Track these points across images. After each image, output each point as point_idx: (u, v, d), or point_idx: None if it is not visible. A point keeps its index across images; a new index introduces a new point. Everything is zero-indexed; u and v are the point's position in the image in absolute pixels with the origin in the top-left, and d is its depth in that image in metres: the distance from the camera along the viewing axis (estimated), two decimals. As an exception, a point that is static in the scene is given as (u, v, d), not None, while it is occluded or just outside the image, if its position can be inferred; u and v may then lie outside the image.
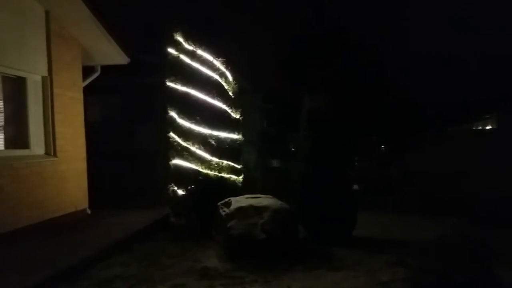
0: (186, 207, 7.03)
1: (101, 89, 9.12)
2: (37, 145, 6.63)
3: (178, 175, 7.08)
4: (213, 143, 7.04)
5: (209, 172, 6.98)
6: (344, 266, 5.13)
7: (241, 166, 7.49)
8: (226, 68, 7.37)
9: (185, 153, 7.00)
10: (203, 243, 6.14)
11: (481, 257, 4.90)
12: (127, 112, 11.74)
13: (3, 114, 6.86)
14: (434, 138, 14.27)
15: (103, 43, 7.74)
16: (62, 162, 6.99)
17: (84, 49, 7.81)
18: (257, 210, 5.68)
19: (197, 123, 7.00)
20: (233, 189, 6.97)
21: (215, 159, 7.03)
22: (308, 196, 6.42)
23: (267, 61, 14.36)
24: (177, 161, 7.08)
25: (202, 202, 6.70)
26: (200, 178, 6.95)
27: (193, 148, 6.98)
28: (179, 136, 7.07)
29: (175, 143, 7.07)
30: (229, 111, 7.33)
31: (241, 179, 7.35)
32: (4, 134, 6.74)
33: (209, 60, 7.23)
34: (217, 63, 7.27)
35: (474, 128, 19.05)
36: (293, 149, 12.76)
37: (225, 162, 7.12)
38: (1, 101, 7.08)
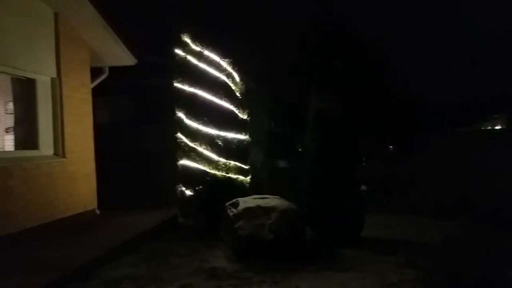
0: (194, 208, 7.05)
1: (110, 90, 9.18)
2: (46, 146, 6.68)
3: (186, 175, 7.11)
4: (221, 143, 7.06)
5: (216, 172, 7.00)
6: (352, 267, 5.11)
7: (249, 166, 7.49)
8: (233, 68, 7.38)
9: (192, 153, 7.02)
10: (211, 244, 6.15)
11: (492, 257, 4.85)
12: (135, 113, 11.80)
13: (13, 115, 6.94)
14: (442, 138, 14.18)
15: (111, 44, 7.79)
16: (71, 162, 7.04)
17: (92, 51, 7.87)
18: (265, 210, 5.68)
19: (205, 123, 7.02)
20: (240, 189, 6.98)
21: (222, 160, 7.04)
22: (315, 196, 6.40)
23: (274, 61, 14.35)
24: (184, 162, 7.10)
25: (209, 203, 6.71)
26: (208, 178, 6.97)
27: (201, 149, 7.00)
28: (186, 136, 7.09)
29: (183, 144, 7.10)
30: (236, 111, 7.34)
31: (248, 180, 7.36)
32: (14, 135, 6.81)
33: (216, 61, 7.26)
34: (224, 63, 7.29)
35: (483, 128, 18.91)
36: (300, 150, 12.74)
37: (232, 162, 7.13)
38: (11, 103, 7.16)
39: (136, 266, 5.22)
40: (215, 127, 7.05)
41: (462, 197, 8.92)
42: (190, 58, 7.20)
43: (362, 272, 4.93)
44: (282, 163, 12.97)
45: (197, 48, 7.23)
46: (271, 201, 5.94)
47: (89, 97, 7.82)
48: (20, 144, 6.57)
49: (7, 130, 8.64)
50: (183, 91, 7.15)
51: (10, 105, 7.89)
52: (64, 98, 6.97)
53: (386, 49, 14.81)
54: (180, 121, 7.14)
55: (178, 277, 4.82)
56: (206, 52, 7.22)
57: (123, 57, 8.20)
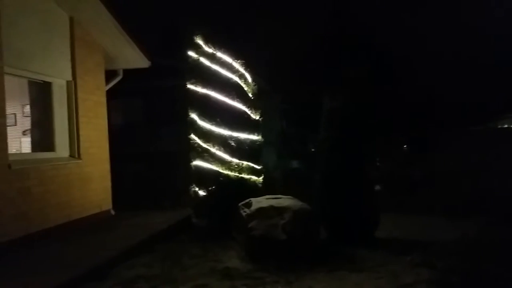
0: (207, 208, 7.09)
1: (124, 92, 9.28)
2: (62, 148, 6.80)
3: (199, 176, 7.15)
4: (233, 144, 7.08)
5: (229, 173, 7.03)
6: (367, 267, 5.08)
7: (261, 167, 7.50)
8: (245, 69, 7.41)
9: (205, 154, 7.06)
10: (224, 244, 6.18)
11: (508, 257, 4.78)
12: (149, 114, 11.90)
13: (29, 118, 7.08)
14: (457, 137, 13.97)
15: (125, 47, 7.89)
16: (87, 164, 7.15)
17: (106, 54, 7.98)
18: (278, 210, 5.67)
19: (217, 124, 7.06)
20: (253, 189, 7.00)
21: (235, 160, 7.07)
22: (329, 196, 6.38)
23: (287, 61, 14.34)
24: (198, 162, 7.15)
25: (222, 203, 6.74)
26: (221, 179, 7.00)
27: (214, 150, 7.04)
28: (199, 137, 7.14)
29: (196, 145, 7.14)
30: (249, 112, 7.36)
31: (261, 180, 7.37)
32: (31, 137, 6.95)
33: (229, 62, 7.29)
34: (236, 64, 7.31)
35: (499, 127, 18.57)
36: (313, 150, 12.71)
37: (245, 163, 7.15)
38: (28, 106, 7.30)
39: (150, 266, 5.27)
40: (228, 128, 7.08)
41: (478, 197, 8.79)
42: (202, 59, 7.25)
43: (376, 272, 4.89)
44: (294, 163, 12.95)
45: (210, 50, 7.27)
46: (284, 201, 5.94)
47: (103, 100, 7.93)
48: (36, 146, 6.70)
49: (24, 133, 8.82)
50: (196, 92, 7.20)
51: (27, 108, 8.05)
52: (79, 100, 7.08)
53: (400, 47, 14.67)
54: (193, 122, 7.19)
55: (192, 277, 4.86)
56: (219, 54, 7.26)
57: (137, 60, 8.29)
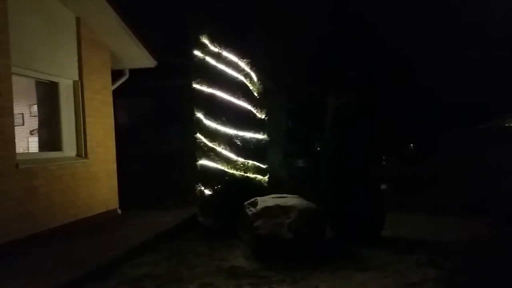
0: (213, 207, 7.11)
1: (130, 91, 9.33)
2: (69, 147, 6.84)
3: (205, 175, 7.17)
4: (239, 143, 7.09)
5: (235, 172, 7.04)
6: (372, 266, 5.06)
7: (267, 166, 7.51)
8: (251, 68, 7.40)
9: (211, 153, 7.07)
10: (230, 243, 6.19)
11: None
12: (155, 113, 11.96)
13: (37, 117, 7.13)
14: (464, 136, 13.90)
15: (132, 47, 7.92)
16: (93, 163, 7.19)
17: (113, 54, 8.02)
18: (284, 209, 5.68)
19: (223, 123, 7.07)
20: (259, 189, 7.00)
21: (240, 159, 7.08)
22: (335, 195, 6.36)
23: (292, 60, 14.32)
24: (204, 162, 7.16)
25: (228, 202, 6.75)
26: (227, 178, 7.01)
27: (219, 149, 7.05)
28: (205, 136, 7.15)
29: (202, 144, 7.16)
30: (254, 111, 7.36)
31: (266, 179, 7.37)
32: (38, 137, 7.00)
33: (234, 61, 7.29)
34: (242, 64, 7.31)
35: (506, 125, 18.42)
36: (318, 149, 12.69)
37: (250, 162, 7.15)
38: (35, 105, 7.36)
39: (156, 264, 5.30)
40: (234, 127, 7.09)
41: (485, 196, 8.73)
42: (208, 59, 7.25)
43: (382, 271, 4.88)
44: (300, 162, 12.94)
45: (216, 49, 7.28)
46: (290, 200, 5.94)
47: (110, 99, 7.97)
48: (44, 145, 6.75)
49: (31, 132, 8.90)
50: (201, 91, 7.21)
51: (34, 108, 8.12)
52: (86, 100, 7.12)
53: (405, 46, 14.60)
54: (199, 121, 7.21)
55: (198, 276, 4.87)
56: (224, 53, 7.26)
57: (143, 59, 8.32)
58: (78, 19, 7.03)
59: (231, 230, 6.42)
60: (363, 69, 7.28)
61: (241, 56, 7.31)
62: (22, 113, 9.00)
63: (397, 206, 7.73)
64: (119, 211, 7.90)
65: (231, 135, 7.08)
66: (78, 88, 7.03)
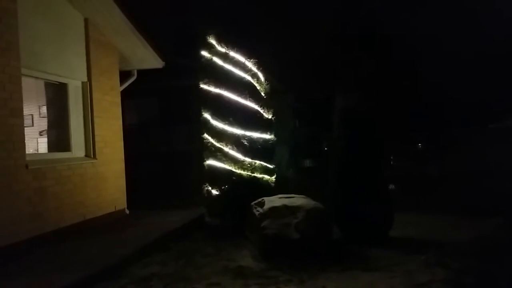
0: (221, 207, 7.12)
1: (138, 92, 9.37)
2: (78, 148, 6.90)
3: (212, 175, 7.19)
4: (246, 143, 7.10)
5: (242, 172, 7.05)
6: (380, 267, 5.04)
7: (274, 166, 7.51)
8: (258, 68, 7.41)
9: (218, 153, 7.09)
10: (237, 243, 6.20)
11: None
12: (163, 114, 11.99)
13: (46, 118, 7.20)
14: (474, 136, 13.76)
15: (140, 48, 7.96)
16: (102, 163, 7.24)
17: (121, 55, 8.07)
18: (291, 210, 5.67)
19: (230, 124, 7.08)
20: (266, 189, 7.00)
21: (248, 159, 7.08)
22: (342, 196, 6.34)
23: (299, 60, 14.29)
24: (211, 162, 7.18)
25: (235, 202, 6.76)
26: (234, 178, 7.02)
27: (227, 149, 7.07)
28: (212, 137, 7.17)
29: (209, 144, 7.18)
30: (262, 111, 7.37)
31: (273, 179, 7.37)
32: (47, 137, 7.07)
33: (241, 62, 7.30)
34: (249, 64, 7.32)
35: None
36: (326, 149, 12.66)
37: (257, 162, 7.16)
38: (44, 106, 7.43)
39: (164, 264, 5.32)
40: (241, 127, 7.10)
41: (494, 196, 8.64)
42: (215, 59, 7.28)
43: (390, 271, 4.85)
44: (307, 162, 12.92)
45: (223, 50, 7.30)
46: (297, 200, 5.94)
47: (118, 100, 8.02)
48: (53, 146, 6.81)
49: (41, 133, 8.98)
50: (209, 92, 7.23)
51: (44, 109, 8.19)
52: (94, 101, 7.18)
53: (415, 46, 14.50)
54: (207, 121, 7.23)
55: (206, 275, 4.89)
56: (232, 53, 7.28)
57: (151, 60, 8.36)
58: (86, 20, 7.09)
59: (238, 230, 6.43)
60: (371, 69, 7.24)
61: (248, 56, 7.32)
62: (32, 114, 9.07)
63: (405, 206, 7.68)
64: (127, 211, 7.95)
65: (238, 135, 7.09)
66: (87, 89, 7.09)
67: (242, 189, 6.85)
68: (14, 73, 5.43)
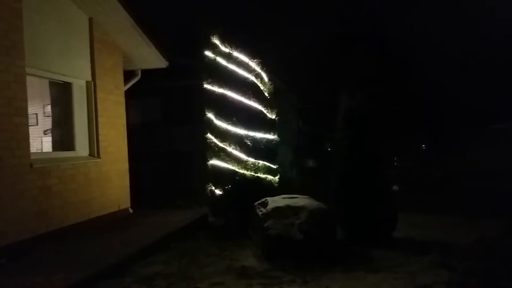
0: (224, 207, 7.12)
1: (142, 92, 9.40)
2: (82, 147, 6.92)
3: (216, 175, 7.19)
4: (249, 143, 7.09)
5: (245, 172, 7.05)
6: (384, 268, 5.03)
7: (277, 166, 7.50)
8: (262, 68, 7.41)
9: (222, 153, 7.09)
10: (241, 243, 6.20)
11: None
12: (166, 114, 12.03)
13: (50, 117, 7.23)
14: (477, 136, 13.72)
15: (144, 48, 7.98)
16: (106, 163, 7.26)
17: (125, 54, 8.09)
18: (294, 210, 5.67)
19: (234, 124, 7.08)
20: (269, 189, 7.00)
21: (251, 159, 7.08)
22: (346, 196, 6.33)
23: (303, 60, 14.29)
24: (214, 162, 7.19)
25: (239, 202, 6.76)
26: (237, 178, 7.02)
27: (230, 149, 7.07)
28: (216, 137, 7.18)
29: (212, 144, 7.19)
30: (265, 111, 7.36)
31: (277, 179, 7.36)
32: (52, 136, 7.09)
33: (245, 62, 7.30)
34: (253, 64, 7.32)
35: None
36: (329, 149, 12.65)
37: (261, 162, 7.16)
38: (49, 106, 7.45)
39: (168, 264, 5.33)
40: (244, 127, 7.10)
41: (498, 197, 8.61)
42: (219, 59, 7.28)
43: (393, 272, 4.85)
44: (311, 163, 12.91)
45: (226, 50, 7.30)
46: (300, 200, 5.93)
47: (122, 99, 8.04)
48: (57, 145, 6.84)
49: (45, 132, 9.01)
50: (212, 92, 7.24)
51: (48, 108, 8.23)
52: (98, 100, 7.20)
53: (418, 46, 14.48)
54: (210, 121, 7.23)
55: (209, 275, 4.89)
56: (235, 53, 7.28)
57: (154, 60, 8.38)
58: (90, 20, 7.11)
59: (241, 230, 6.43)
60: (372, 69, 7.24)
61: (252, 56, 7.32)
62: (36, 113, 9.11)
63: (409, 207, 7.66)
64: (131, 210, 7.97)
65: (242, 135, 7.09)
66: (91, 89, 7.11)
67: (245, 189, 6.85)
68: (19, 72, 5.46)
